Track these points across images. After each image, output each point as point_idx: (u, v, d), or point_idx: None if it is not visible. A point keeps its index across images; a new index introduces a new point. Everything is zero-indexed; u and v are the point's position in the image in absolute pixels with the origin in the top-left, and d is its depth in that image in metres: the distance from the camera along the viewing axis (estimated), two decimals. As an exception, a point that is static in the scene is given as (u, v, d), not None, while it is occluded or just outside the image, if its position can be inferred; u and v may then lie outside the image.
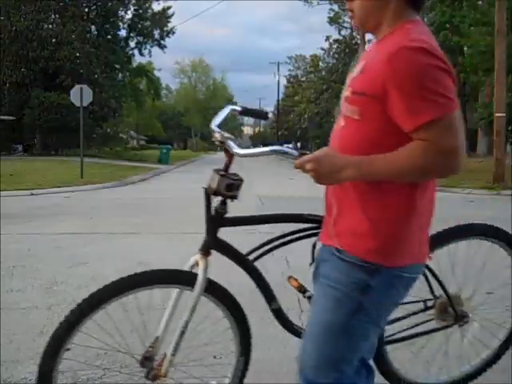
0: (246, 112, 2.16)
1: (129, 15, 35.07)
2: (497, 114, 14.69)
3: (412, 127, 1.32)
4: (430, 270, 2.16)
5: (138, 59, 39.73)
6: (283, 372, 2.70)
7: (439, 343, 2.33)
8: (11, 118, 28.58)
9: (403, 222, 1.43)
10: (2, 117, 27.71)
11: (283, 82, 57.97)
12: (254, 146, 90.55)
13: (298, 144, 52.52)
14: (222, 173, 1.76)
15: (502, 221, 8.74)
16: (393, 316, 2.13)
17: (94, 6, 32.68)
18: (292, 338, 3.12)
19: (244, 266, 1.92)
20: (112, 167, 21.09)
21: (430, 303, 2.20)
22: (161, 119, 70.19)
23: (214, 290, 1.88)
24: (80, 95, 15.91)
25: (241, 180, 1.78)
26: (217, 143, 1.82)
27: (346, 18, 53.86)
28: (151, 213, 9.05)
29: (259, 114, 2.33)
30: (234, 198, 1.78)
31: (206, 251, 1.82)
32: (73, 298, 3.74)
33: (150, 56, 37.69)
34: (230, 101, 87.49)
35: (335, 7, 52.32)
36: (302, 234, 1.96)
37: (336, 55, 41.03)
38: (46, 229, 7.15)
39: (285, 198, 11.39)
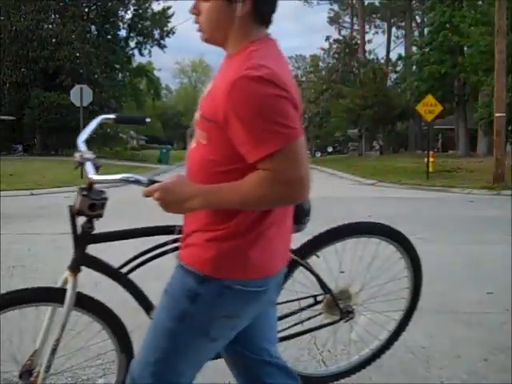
0: (120, 120, 2.16)
1: (129, 15, 35.06)
2: (497, 114, 14.70)
3: (254, 159, 1.29)
4: (309, 268, 2.17)
5: (137, 59, 39.75)
6: (283, 372, 2.70)
7: (329, 335, 2.36)
8: (11, 118, 28.58)
9: (241, 237, 1.40)
10: (2, 117, 27.71)
11: (283, 82, 57.95)
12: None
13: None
14: (85, 193, 1.77)
15: (502, 221, 8.78)
16: (283, 311, 2.18)
17: (94, 6, 32.65)
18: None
19: (117, 279, 1.94)
20: (112, 167, 21.08)
21: (319, 298, 2.23)
22: (161, 119, 70.15)
23: (85, 304, 1.90)
24: (80, 95, 15.92)
25: (105, 199, 1.80)
26: (76, 164, 1.82)
27: (347, 18, 53.98)
28: (151, 212, 9.05)
29: (136, 121, 2.31)
30: (98, 216, 1.80)
31: (74, 268, 1.84)
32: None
33: (150, 56, 37.71)
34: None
35: (335, 7, 52.43)
36: (174, 246, 1.95)
37: (336, 55, 40.93)
38: (46, 229, 7.15)
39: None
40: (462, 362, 2.86)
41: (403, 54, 38.89)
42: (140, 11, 35.22)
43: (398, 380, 2.64)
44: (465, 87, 30.07)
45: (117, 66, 34.76)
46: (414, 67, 33.26)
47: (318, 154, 42.81)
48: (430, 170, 16.59)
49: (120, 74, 36.38)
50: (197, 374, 1.58)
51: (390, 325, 2.43)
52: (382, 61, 42.32)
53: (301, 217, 1.91)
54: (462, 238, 6.66)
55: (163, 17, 35.84)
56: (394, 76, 40.87)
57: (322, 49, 41.76)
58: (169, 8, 35.81)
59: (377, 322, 2.46)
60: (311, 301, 2.23)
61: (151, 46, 36.44)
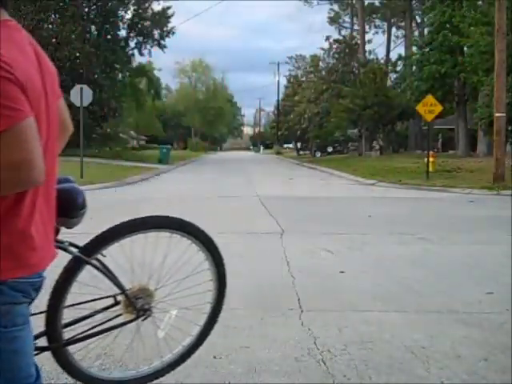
0: None
1: (129, 15, 34.98)
2: (497, 114, 14.70)
3: None
4: (98, 267, 2.12)
5: (138, 59, 39.73)
6: (283, 372, 2.71)
7: (134, 335, 2.31)
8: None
9: None
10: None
11: (283, 81, 57.98)
12: (254, 145, 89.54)
13: (298, 144, 52.45)
14: None
15: (502, 221, 8.78)
16: (78, 315, 2.13)
17: (94, 6, 32.63)
18: (292, 338, 3.14)
19: None
20: (112, 167, 21.07)
21: (119, 298, 2.17)
22: (161, 119, 70.14)
23: None
24: (80, 95, 15.91)
25: None
26: None
27: (347, 18, 53.97)
28: (151, 213, 9.04)
29: None
30: None
31: None
32: (72, 297, 3.75)
33: (150, 56, 37.68)
34: (229, 101, 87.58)
35: (335, 7, 52.43)
36: None
37: (336, 55, 40.91)
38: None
39: (284, 198, 11.40)
40: (462, 361, 2.86)
41: (403, 54, 38.89)
42: (140, 11, 35.17)
43: (398, 380, 2.65)
44: (465, 87, 30.06)
45: (117, 66, 34.72)
46: (414, 67, 33.26)
47: (318, 154, 42.80)
48: (430, 169, 16.59)
49: (120, 74, 36.34)
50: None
51: (200, 319, 2.40)
52: (382, 61, 42.31)
53: (72, 211, 1.87)
54: (461, 238, 6.66)
55: (163, 17, 35.78)
56: (393, 76, 40.86)
57: (322, 49, 41.72)
58: (169, 8, 35.76)
59: (186, 317, 2.43)
60: (112, 301, 2.17)
61: (151, 46, 36.39)
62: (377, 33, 53.06)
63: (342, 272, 4.77)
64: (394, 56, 44.53)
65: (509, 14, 17.63)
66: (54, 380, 2.53)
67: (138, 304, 2.15)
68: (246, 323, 3.37)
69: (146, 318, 2.19)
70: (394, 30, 52.02)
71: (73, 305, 2.10)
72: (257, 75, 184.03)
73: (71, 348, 2.13)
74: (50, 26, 30.52)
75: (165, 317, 2.30)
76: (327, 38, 41.19)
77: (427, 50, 30.35)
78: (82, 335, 2.13)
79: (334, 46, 40.79)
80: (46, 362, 2.56)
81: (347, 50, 40.00)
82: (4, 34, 1.35)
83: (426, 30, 36.66)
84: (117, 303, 2.17)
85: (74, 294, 2.08)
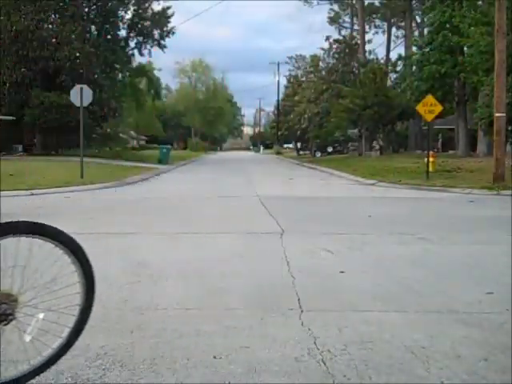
0: None
1: (129, 15, 35.01)
2: (497, 114, 14.69)
3: None
4: None
5: (138, 59, 39.73)
6: (283, 372, 2.70)
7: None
8: (11, 118, 28.57)
9: None
10: (2, 117, 27.70)
11: (283, 81, 57.98)
12: (254, 145, 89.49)
13: (298, 144, 52.43)
14: None
15: (502, 221, 8.78)
16: None
17: (94, 6, 32.63)
18: (292, 338, 3.14)
19: None
20: (112, 167, 21.06)
21: None
22: (161, 119, 70.15)
23: None
24: (80, 95, 15.90)
25: None
26: None
27: (347, 18, 53.95)
28: (151, 213, 9.05)
29: None
30: None
31: None
32: (73, 298, 3.74)
33: (150, 56, 37.69)
34: (229, 101, 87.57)
35: (335, 7, 52.42)
36: None
37: (336, 55, 40.92)
38: (46, 229, 7.14)
39: (284, 198, 11.40)
40: (462, 361, 2.85)
41: (403, 54, 38.88)
42: (140, 11, 35.18)
43: (398, 380, 2.64)
44: (465, 87, 30.06)
45: (117, 66, 34.74)
46: (414, 67, 33.26)
47: (318, 154, 42.81)
48: (430, 169, 16.59)
49: (120, 74, 36.35)
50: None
51: (70, 321, 2.42)
52: (382, 61, 42.31)
53: None
54: (462, 238, 6.66)
55: (163, 17, 35.78)
56: (394, 76, 40.86)
57: (322, 49, 41.73)
58: (169, 8, 35.77)
59: (56, 320, 2.44)
60: None
61: (151, 46, 36.40)
62: (377, 33, 53.10)
63: (342, 272, 4.77)
64: (394, 56, 44.59)
65: (509, 13, 17.63)
66: (54, 380, 2.53)
67: (0, 310, 2.16)
68: (246, 323, 3.37)
69: (8, 323, 2.19)
70: (394, 30, 52.07)
71: None
72: (257, 75, 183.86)
73: None
74: (50, 26, 30.50)
75: (32, 321, 2.32)
76: (327, 38, 41.22)
77: (427, 50, 30.35)
78: None
79: (334, 46, 40.79)
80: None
81: (347, 50, 40.00)
82: None
83: (425, 30, 36.66)
84: None
85: None
